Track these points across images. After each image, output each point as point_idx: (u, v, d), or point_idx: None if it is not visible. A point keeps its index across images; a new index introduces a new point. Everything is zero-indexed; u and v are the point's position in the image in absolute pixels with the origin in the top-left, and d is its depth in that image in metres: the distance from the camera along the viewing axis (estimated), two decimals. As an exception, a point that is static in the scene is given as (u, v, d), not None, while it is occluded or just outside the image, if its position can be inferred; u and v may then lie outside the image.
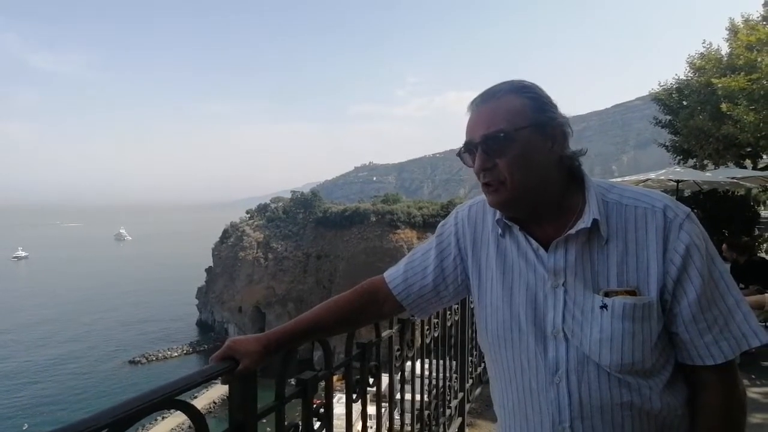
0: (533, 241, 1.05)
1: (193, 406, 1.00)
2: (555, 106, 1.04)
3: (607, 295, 0.98)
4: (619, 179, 13.18)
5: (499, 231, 1.11)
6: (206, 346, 56.78)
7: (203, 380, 1.06)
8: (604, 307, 0.97)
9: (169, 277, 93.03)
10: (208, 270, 68.71)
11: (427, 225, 56.98)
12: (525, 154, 0.98)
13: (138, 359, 52.40)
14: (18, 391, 44.05)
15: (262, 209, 71.24)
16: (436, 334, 2.42)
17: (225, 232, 69.57)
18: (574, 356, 0.99)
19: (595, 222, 0.98)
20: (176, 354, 54.84)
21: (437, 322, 2.46)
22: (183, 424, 32.92)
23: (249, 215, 71.91)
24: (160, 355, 54.06)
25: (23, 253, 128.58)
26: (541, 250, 1.04)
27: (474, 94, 1.08)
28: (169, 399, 0.94)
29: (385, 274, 1.28)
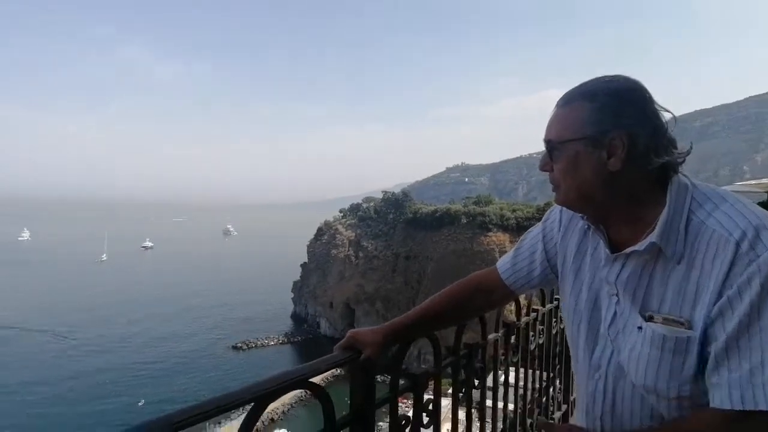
0: (608, 244, 1.08)
1: (322, 388, 1.06)
2: (640, 109, 0.95)
3: (649, 318, 0.98)
4: (753, 182, 11.65)
5: (587, 225, 1.14)
6: (299, 338, 60.20)
7: (327, 368, 1.15)
8: (639, 328, 1.00)
9: (268, 271, 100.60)
10: (303, 265, 72.72)
11: (520, 228, 54.79)
12: (572, 166, 1.00)
13: (240, 345, 57.04)
14: (137, 370, 49.30)
15: (355, 209, 73.65)
16: (540, 341, 2.34)
17: (319, 230, 73.13)
18: (615, 362, 1.05)
19: (652, 245, 0.95)
20: (272, 343, 58.79)
21: (542, 329, 2.37)
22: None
23: (342, 214, 74.78)
24: (258, 343, 58.28)
25: (150, 244, 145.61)
26: (611, 256, 1.06)
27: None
28: (303, 381, 1.03)
29: (497, 263, 1.40)
